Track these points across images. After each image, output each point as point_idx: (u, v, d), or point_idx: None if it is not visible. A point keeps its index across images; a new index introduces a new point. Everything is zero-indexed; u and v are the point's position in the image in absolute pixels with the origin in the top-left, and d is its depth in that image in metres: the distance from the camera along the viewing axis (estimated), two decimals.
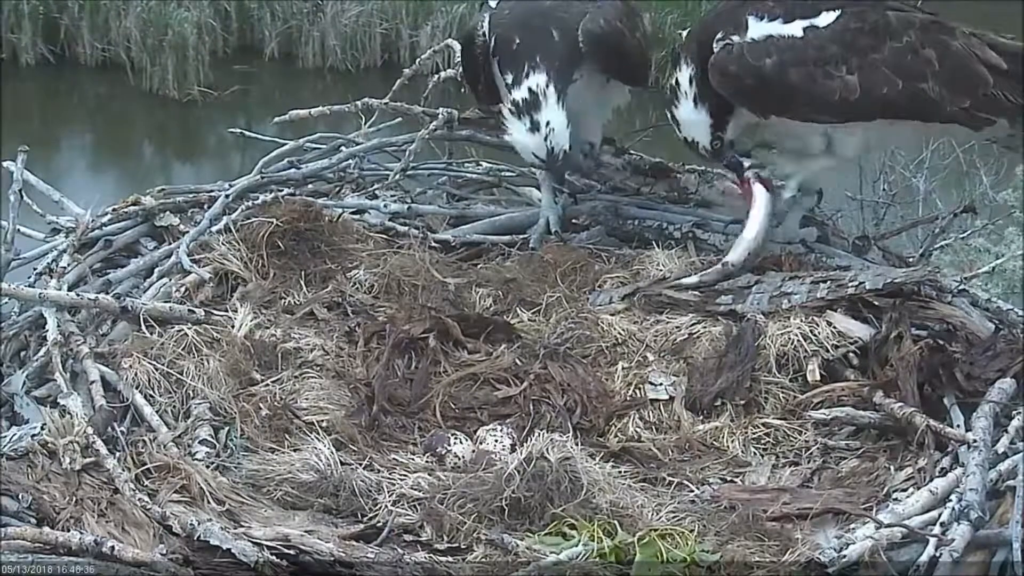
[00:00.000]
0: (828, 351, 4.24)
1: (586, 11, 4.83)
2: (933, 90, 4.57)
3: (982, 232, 8.86)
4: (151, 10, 17.04)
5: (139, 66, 16.89)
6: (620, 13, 4.94)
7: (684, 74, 4.72)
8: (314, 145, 5.70)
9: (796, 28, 4.55)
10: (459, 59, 5.39)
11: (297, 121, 5.67)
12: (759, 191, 4.80)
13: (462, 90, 5.47)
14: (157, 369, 4.02)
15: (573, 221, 5.35)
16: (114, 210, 4.94)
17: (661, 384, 4.29)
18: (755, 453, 4.04)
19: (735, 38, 4.58)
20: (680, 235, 5.20)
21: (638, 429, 4.15)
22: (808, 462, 3.96)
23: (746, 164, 4.85)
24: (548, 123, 4.67)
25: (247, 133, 6.35)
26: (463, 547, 3.40)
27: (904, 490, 3.69)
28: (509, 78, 4.75)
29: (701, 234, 5.22)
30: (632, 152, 5.60)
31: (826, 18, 4.56)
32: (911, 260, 5.27)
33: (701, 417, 4.17)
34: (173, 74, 16.70)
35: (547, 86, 4.68)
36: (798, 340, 4.25)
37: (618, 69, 4.99)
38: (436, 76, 5.75)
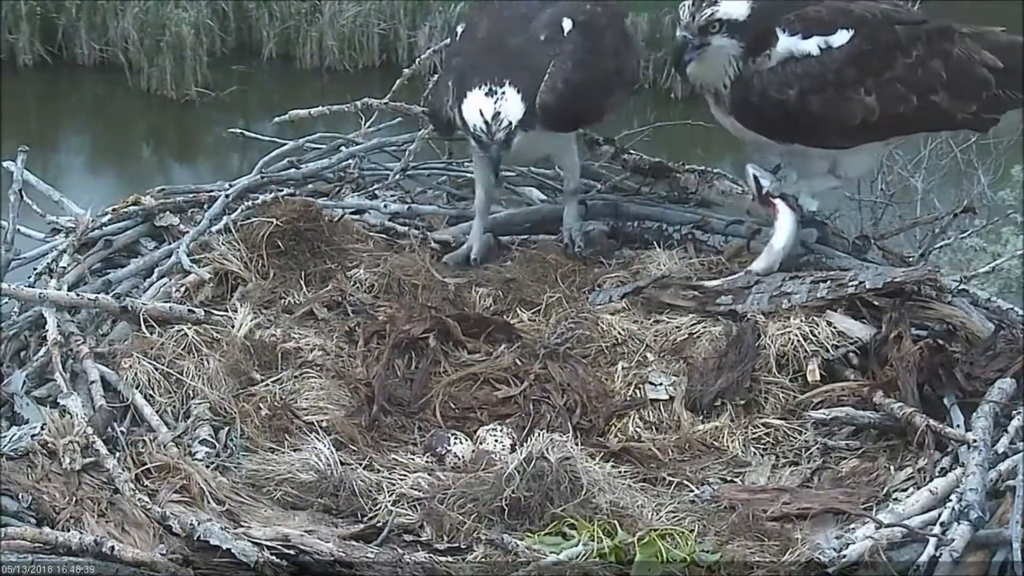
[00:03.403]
0: (828, 351, 4.24)
1: (551, 56, 4.72)
2: (944, 100, 4.62)
3: (980, 232, 8.87)
4: (149, 10, 17.06)
5: (137, 66, 16.91)
6: (588, 51, 4.82)
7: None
8: (314, 145, 5.70)
9: (812, 45, 4.56)
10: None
11: (297, 121, 5.67)
12: (782, 206, 4.81)
13: None
14: (157, 369, 4.02)
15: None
16: (114, 210, 4.93)
17: (661, 384, 4.29)
18: (755, 453, 4.04)
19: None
20: (680, 235, 5.22)
21: (638, 429, 4.16)
22: (808, 462, 3.96)
23: (766, 184, 4.86)
24: (504, 94, 4.53)
25: (247, 133, 6.34)
26: (463, 547, 3.40)
27: (904, 490, 3.69)
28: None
29: (701, 234, 5.24)
30: (632, 152, 5.60)
31: (841, 37, 4.57)
32: (911, 260, 5.27)
33: (701, 417, 4.18)
34: (171, 74, 16.72)
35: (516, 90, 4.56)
36: (798, 340, 4.25)
37: (573, 126, 4.95)
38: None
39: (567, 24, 4.84)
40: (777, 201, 4.82)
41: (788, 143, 4.75)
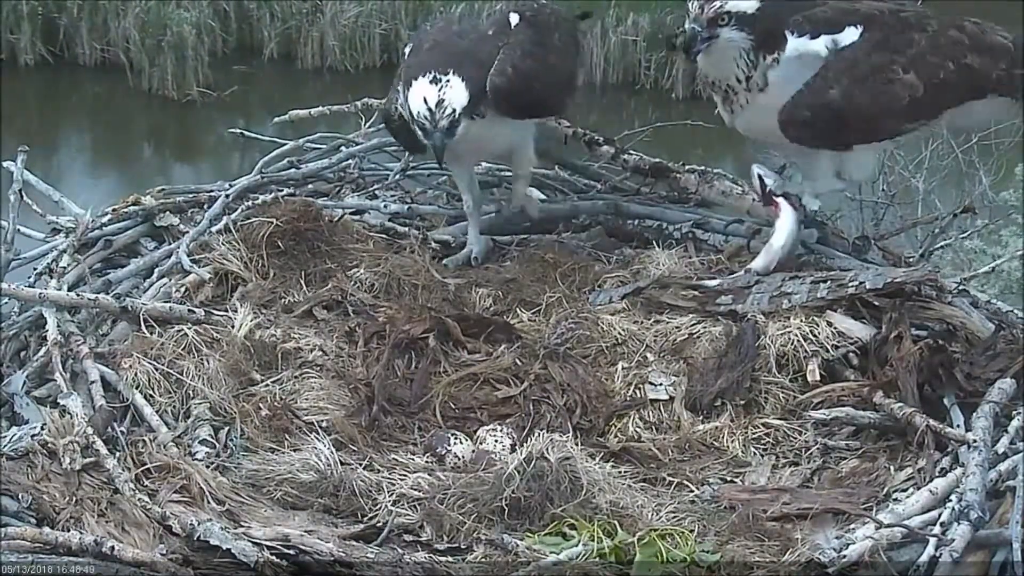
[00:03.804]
0: (828, 351, 4.24)
1: (499, 46, 4.76)
2: (975, 61, 4.64)
3: (980, 233, 8.85)
4: (150, 10, 17.04)
5: (138, 66, 16.89)
6: (536, 43, 4.87)
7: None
8: (314, 145, 5.71)
9: (820, 45, 4.58)
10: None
11: (297, 121, 5.67)
12: (785, 205, 4.81)
13: None
14: (157, 369, 4.02)
15: (573, 220, 5.36)
16: (114, 210, 4.94)
17: (661, 384, 4.29)
18: (755, 453, 4.04)
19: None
20: (680, 235, 5.22)
21: (638, 429, 4.16)
22: (808, 462, 3.96)
23: (770, 182, 4.86)
24: (449, 81, 4.55)
25: (247, 133, 6.35)
26: (463, 547, 3.40)
27: (904, 490, 3.69)
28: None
29: (701, 234, 5.24)
30: (632, 152, 5.59)
31: (849, 35, 4.58)
32: (911, 260, 5.27)
33: (701, 417, 4.18)
34: (172, 74, 16.70)
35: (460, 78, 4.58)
36: (798, 340, 4.25)
37: (526, 113, 4.94)
38: None
39: (514, 18, 4.92)
40: (780, 199, 4.82)
41: (847, 146, 4.73)
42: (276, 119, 5.84)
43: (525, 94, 4.76)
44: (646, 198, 5.48)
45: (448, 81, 4.52)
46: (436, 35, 4.95)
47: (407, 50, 5.05)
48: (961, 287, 4.73)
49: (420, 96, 4.51)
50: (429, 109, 4.50)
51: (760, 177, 4.88)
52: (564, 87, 5.09)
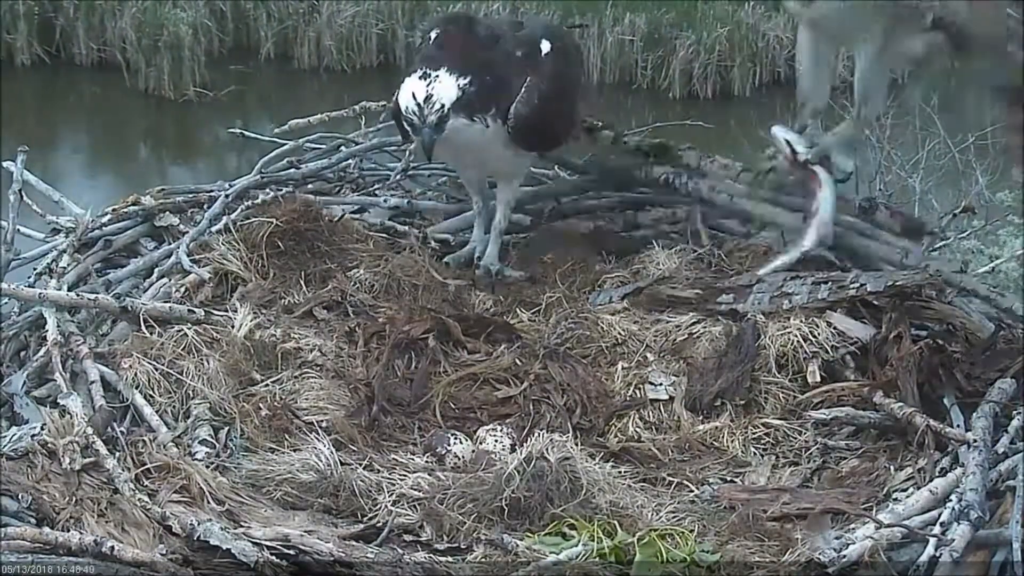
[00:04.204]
0: (828, 351, 4.24)
1: (527, 73, 4.73)
2: None
3: (977, 233, 8.87)
4: (146, 10, 17.01)
5: (135, 66, 16.87)
6: (563, 78, 4.88)
7: None
8: (314, 145, 5.71)
9: None
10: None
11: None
12: (822, 173, 4.78)
13: None
14: (157, 369, 4.02)
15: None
16: (114, 210, 4.93)
17: (661, 384, 4.29)
18: (755, 453, 4.04)
19: None
20: (680, 235, 5.22)
21: (638, 429, 4.16)
22: (808, 462, 3.97)
23: (798, 147, 4.81)
24: (438, 77, 4.50)
25: (247, 133, 6.35)
26: (463, 547, 3.41)
27: (904, 490, 3.69)
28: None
29: (702, 234, 5.23)
30: (631, 131, 5.58)
31: None
32: (927, 230, 5.22)
33: (701, 417, 4.18)
34: (168, 74, 16.67)
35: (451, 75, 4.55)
36: (798, 340, 4.26)
37: (535, 147, 4.94)
38: None
39: (545, 46, 4.86)
40: (817, 168, 4.78)
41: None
42: (276, 130, 5.85)
43: (545, 127, 4.77)
44: (647, 197, 5.47)
45: (437, 77, 4.48)
46: (453, 34, 4.90)
47: (432, 35, 4.97)
48: (962, 284, 4.71)
49: (409, 91, 4.49)
50: (418, 104, 4.46)
51: (786, 140, 4.84)
52: (573, 125, 5.12)
